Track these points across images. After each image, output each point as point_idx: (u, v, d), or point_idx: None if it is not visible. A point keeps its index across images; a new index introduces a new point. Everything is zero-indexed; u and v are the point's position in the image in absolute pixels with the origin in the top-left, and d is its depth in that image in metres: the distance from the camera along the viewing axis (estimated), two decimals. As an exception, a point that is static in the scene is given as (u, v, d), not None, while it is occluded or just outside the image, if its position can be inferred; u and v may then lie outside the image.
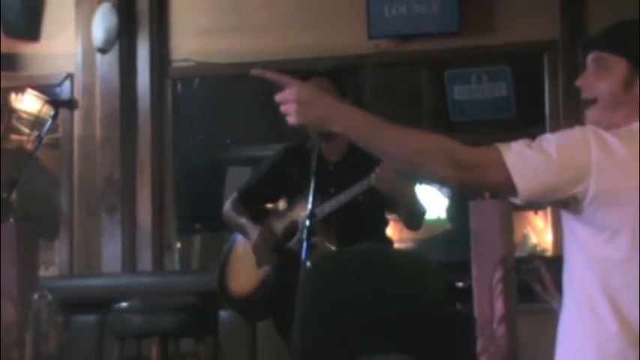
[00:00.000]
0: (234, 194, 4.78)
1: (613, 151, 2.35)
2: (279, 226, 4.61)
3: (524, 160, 2.34)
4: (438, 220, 8.61)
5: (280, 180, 4.60)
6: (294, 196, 4.52)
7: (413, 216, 4.51)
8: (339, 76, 4.62)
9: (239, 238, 4.74)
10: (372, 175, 4.23)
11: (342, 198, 4.34)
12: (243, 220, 4.66)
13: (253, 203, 4.75)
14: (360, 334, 1.83)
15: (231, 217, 4.72)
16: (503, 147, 2.36)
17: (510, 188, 2.35)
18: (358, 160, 4.46)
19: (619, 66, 2.49)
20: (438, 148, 2.36)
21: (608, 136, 2.37)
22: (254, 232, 4.58)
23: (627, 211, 2.35)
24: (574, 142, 2.37)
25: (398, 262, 2.07)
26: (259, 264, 4.57)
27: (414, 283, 1.93)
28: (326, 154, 4.47)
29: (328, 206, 4.34)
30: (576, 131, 2.41)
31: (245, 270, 4.64)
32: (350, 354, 1.82)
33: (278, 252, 4.52)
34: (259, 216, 4.72)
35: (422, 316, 1.86)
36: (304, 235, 3.93)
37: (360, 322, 1.83)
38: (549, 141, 2.38)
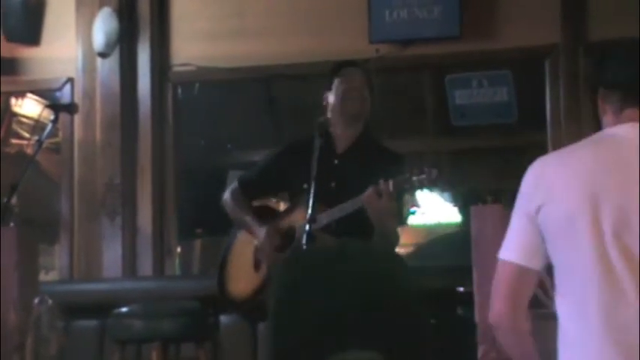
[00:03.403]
0: (234, 184, 4.75)
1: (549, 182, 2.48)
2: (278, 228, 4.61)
3: (524, 246, 2.53)
4: (438, 225, 8.62)
5: (283, 174, 4.58)
6: (295, 193, 4.51)
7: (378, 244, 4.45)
8: (368, 70, 4.61)
9: (237, 237, 4.74)
10: (363, 195, 4.19)
11: (337, 212, 4.30)
12: (248, 218, 4.65)
13: (253, 195, 4.73)
14: (332, 332, 1.83)
15: (231, 210, 4.71)
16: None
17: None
18: (363, 152, 4.46)
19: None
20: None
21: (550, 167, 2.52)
22: (260, 231, 4.56)
23: (576, 225, 2.41)
24: (521, 202, 2.54)
25: (371, 259, 2.08)
26: (258, 265, 4.56)
27: (387, 281, 1.94)
28: (335, 143, 4.46)
29: (325, 218, 4.30)
30: (521, 187, 2.56)
31: (244, 271, 4.63)
32: (322, 351, 1.82)
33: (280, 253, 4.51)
34: (259, 211, 4.71)
35: (394, 313, 1.88)
36: (304, 241, 3.92)
37: (332, 319, 1.84)
38: (513, 217, 2.58)
